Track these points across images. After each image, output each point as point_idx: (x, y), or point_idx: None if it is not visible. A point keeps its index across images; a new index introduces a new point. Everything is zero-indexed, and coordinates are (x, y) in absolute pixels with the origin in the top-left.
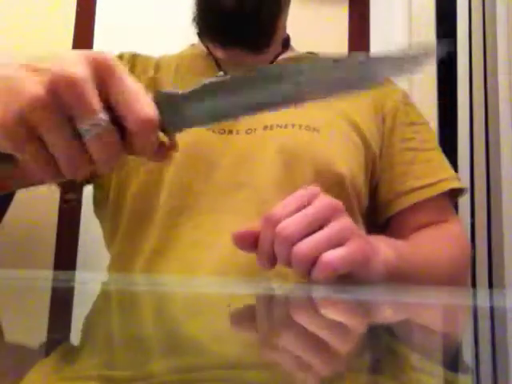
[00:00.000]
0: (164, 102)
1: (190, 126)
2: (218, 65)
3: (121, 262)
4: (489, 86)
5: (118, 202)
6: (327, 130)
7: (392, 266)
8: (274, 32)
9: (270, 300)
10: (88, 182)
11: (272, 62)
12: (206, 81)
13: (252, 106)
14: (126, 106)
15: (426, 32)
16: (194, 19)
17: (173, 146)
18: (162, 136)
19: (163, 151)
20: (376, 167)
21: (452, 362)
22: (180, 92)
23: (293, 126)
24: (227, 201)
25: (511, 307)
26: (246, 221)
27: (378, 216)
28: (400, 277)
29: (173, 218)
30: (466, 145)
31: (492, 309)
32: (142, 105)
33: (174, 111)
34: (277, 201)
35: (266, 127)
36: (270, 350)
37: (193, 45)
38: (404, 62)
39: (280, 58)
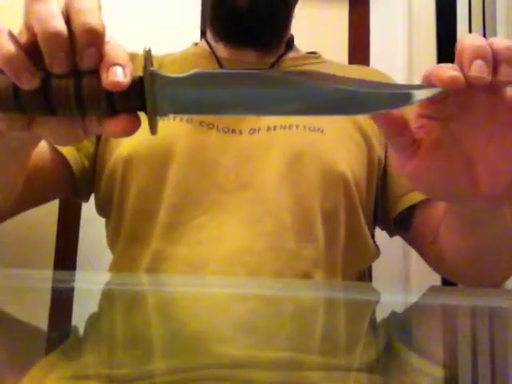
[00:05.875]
0: (151, 81)
1: (174, 111)
2: (221, 64)
3: (124, 262)
4: None
5: (121, 201)
6: (331, 130)
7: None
8: (285, 32)
9: (274, 299)
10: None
11: (275, 63)
12: (199, 70)
13: (239, 104)
14: (74, 14)
15: (426, 32)
16: (208, 19)
17: (136, 124)
18: (142, 115)
19: (127, 122)
20: (381, 167)
21: (451, 361)
22: (170, 75)
23: (297, 126)
24: (230, 200)
25: (511, 307)
26: (250, 221)
27: (391, 211)
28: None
29: (176, 218)
30: None
31: (492, 309)
32: (88, 17)
33: (160, 93)
34: (280, 201)
35: (269, 128)
36: (274, 349)
37: (196, 44)
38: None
39: (282, 58)
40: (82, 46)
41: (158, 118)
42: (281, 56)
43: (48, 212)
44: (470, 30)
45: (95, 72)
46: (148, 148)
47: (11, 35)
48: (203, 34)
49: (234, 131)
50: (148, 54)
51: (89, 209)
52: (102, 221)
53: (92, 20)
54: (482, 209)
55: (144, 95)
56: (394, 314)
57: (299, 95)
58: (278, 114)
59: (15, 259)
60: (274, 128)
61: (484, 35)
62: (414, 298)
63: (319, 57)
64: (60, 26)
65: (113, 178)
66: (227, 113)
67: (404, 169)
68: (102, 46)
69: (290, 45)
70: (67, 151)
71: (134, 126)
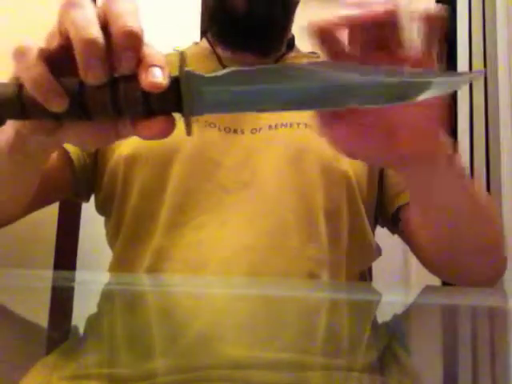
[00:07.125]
0: (187, 81)
1: (210, 111)
2: (222, 63)
3: (125, 261)
4: (489, 86)
5: (122, 200)
6: None
7: (459, 168)
8: (285, 34)
9: (275, 300)
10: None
11: (275, 63)
12: (234, 68)
13: (276, 100)
14: (113, 18)
15: None
16: (207, 23)
17: (172, 125)
18: (179, 117)
19: (164, 123)
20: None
21: (451, 361)
22: (205, 75)
23: (298, 124)
24: (232, 200)
25: (511, 307)
26: (252, 219)
27: (388, 208)
28: (456, 189)
29: (177, 217)
30: (465, 147)
31: (492, 309)
32: (127, 20)
33: (196, 93)
34: (282, 199)
35: (270, 127)
36: (275, 350)
37: (197, 43)
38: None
39: (283, 58)
40: (122, 49)
41: (193, 118)
42: (281, 56)
43: (48, 212)
44: (470, 30)
45: (132, 75)
46: (150, 147)
47: (41, 54)
48: (203, 34)
49: (235, 131)
50: (183, 55)
51: (89, 209)
52: (102, 220)
53: (132, 23)
54: (426, 174)
55: (180, 96)
56: (394, 314)
57: (316, 86)
58: (310, 107)
59: (15, 259)
60: (276, 126)
61: (484, 35)
62: (414, 297)
63: (319, 56)
64: (96, 32)
65: (115, 176)
66: (263, 109)
67: (328, 134)
68: (140, 49)
69: (290, 45)
70: (72, 149)
71: (171, 127)
